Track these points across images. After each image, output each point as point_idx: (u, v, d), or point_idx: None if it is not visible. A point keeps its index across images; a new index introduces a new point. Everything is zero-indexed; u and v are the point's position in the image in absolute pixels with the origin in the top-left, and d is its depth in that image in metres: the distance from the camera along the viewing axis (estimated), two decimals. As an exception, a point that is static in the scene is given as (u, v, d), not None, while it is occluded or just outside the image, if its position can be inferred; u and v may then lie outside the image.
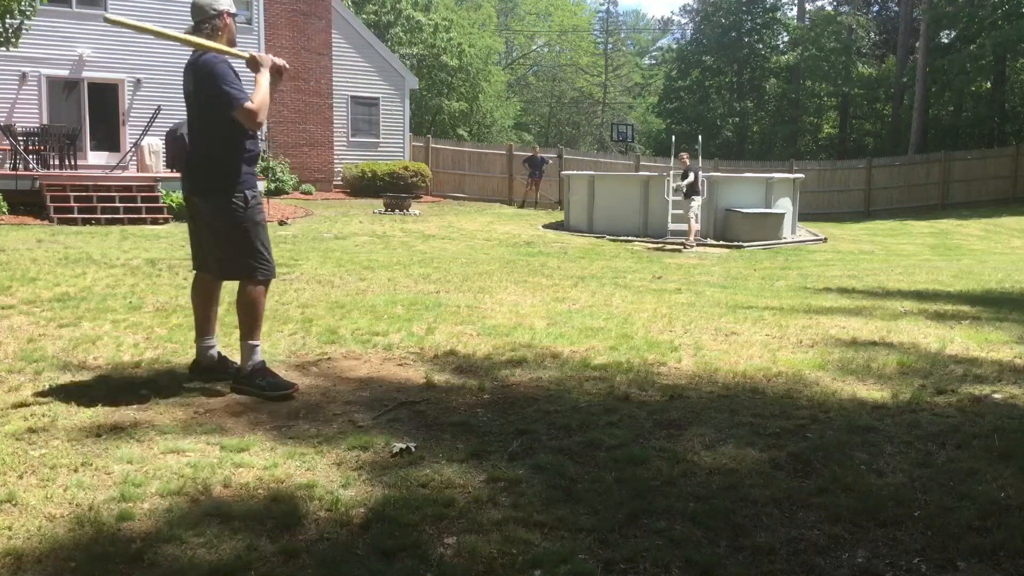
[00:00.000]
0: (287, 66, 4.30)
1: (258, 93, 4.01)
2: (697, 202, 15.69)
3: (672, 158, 18.97)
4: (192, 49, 4.14)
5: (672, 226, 16.51)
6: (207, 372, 4.32)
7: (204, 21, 4.12)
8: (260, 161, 21.29)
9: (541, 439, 3.54)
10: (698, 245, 15.65)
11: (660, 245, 15.49)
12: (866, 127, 43.74)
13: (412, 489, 2.99)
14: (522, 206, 24.78)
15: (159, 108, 18.17)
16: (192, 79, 4.10)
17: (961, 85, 33.84)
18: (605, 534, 2.68)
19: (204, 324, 4.35)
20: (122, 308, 6.20)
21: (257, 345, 4.17)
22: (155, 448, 3.34)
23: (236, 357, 4.29)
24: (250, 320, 4.15)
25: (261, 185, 17.99)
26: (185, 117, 4.36)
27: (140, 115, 18.74)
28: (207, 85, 4.00)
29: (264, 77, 4.09)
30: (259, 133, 4.28)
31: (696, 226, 15.95)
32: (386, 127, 25.18)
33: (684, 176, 15.62)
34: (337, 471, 3.16)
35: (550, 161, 25.86)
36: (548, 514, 2.80)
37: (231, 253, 4.11)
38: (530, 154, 25.81)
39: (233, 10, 4.24)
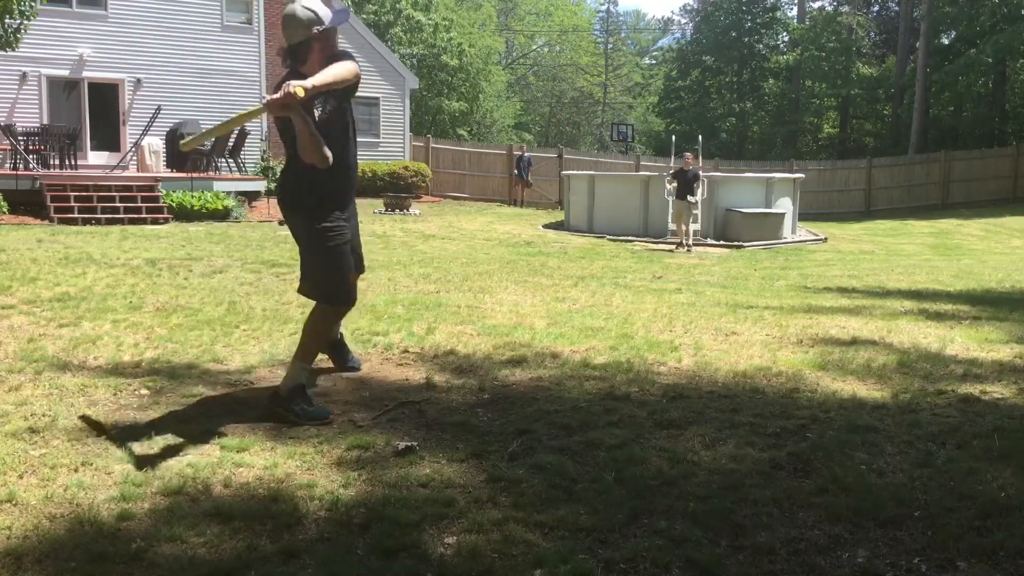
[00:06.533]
0: (291, 90, 3.34)
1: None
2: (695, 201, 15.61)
3: (672, 157, 18.95)
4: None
5: (672, 227, 16.45)
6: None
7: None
8: (262, 161, 21.09)
9: (541, 439, 3.54)
10: (696, 246, 15.62)
11: (673, 247, 15.36)
12: (866, 127, 43.72)
13: (412, 489, 3.00)
14: (518, 205, 24.85)
15: (159, 108, 18.16)
16: None
17: (961, 88, 33.82)
18: (605, 534, 2.68)
19: None
20: (122, 308, 6.20)
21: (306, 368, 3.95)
22: (155, 448, 3.34)
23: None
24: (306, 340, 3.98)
25: (261, 185, 18.00)
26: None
27: (140, 115, 18.72)
28: None
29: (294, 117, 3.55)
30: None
31: (695, 227, 15.93)
32: (386, 127, 25.18)
33: (677, 176, 15.45)
34: (337, 471, 3.16)
35: (531, 161, 25.66)
36: (548, 514, 2.81)
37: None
38: (518, 154, 25.86)
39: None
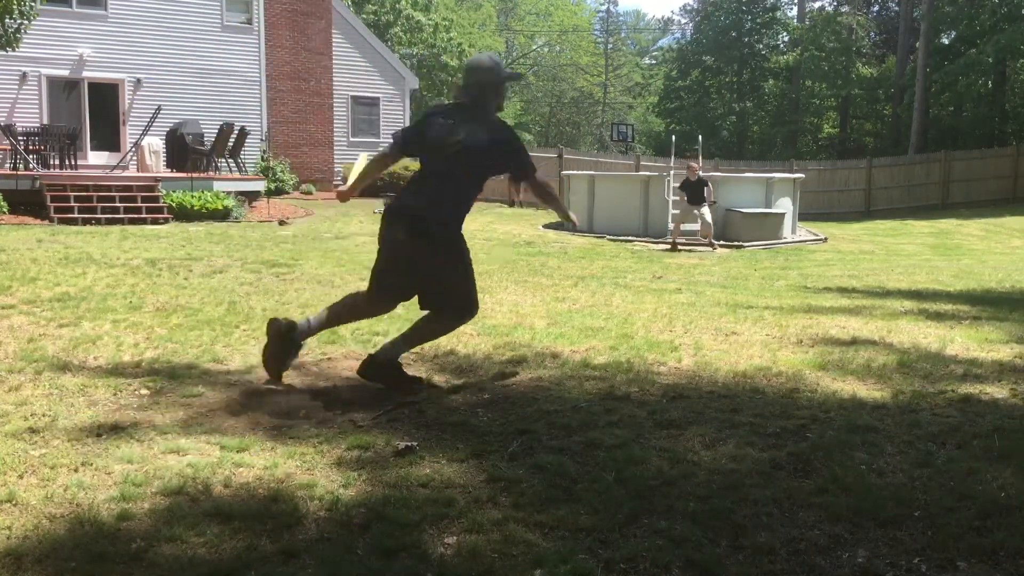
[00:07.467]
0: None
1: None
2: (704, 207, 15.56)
3: (672, 157, 18.94)
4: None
5: (685, 227, 16.35)
6: None
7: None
8: (262, 161, 21.04)
9: (541, 439, 3.54)
10: (691, 247, 15.59)
11: (670, 246, 15.34)
12: (866, 127, 43.72)
13: (412, 489, 3.00)
14: (518, 205, 24.84)
15: (159, 108, 18.16)
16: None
17: (961, 88, 33.81)
18: (605, 534, 2.68)
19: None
20: (122, 308, 6.20)
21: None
22: (155, 448, 3.34)
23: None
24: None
25: (261, 185, 17.99)
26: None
27: (140, 115, 18.73)
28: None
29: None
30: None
31: (695, 226, 15.88)
32: (386, 127, 25.17)
33: (685, 188, 15.40)
34: (337, 471, 3.16)
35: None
36: (548, 514, 2.81)
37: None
38: None
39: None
